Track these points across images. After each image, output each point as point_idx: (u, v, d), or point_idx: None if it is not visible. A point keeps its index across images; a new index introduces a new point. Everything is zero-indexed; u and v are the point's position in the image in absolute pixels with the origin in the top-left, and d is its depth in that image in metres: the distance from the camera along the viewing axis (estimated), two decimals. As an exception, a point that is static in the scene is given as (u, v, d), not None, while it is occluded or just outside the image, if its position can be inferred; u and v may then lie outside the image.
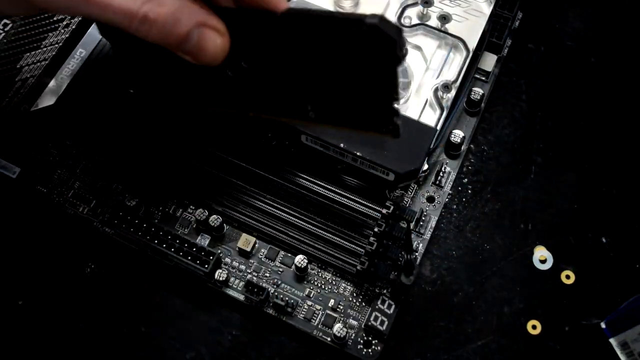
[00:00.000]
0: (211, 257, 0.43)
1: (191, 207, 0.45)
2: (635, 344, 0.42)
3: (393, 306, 0.43)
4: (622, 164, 0.49)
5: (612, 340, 0.44)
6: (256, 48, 0.34)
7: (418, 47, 0.48)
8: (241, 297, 0.43)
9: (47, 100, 0.46)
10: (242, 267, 0.44)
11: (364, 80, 0.34)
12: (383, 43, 0.31)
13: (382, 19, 0.30)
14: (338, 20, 0.31)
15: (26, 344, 0.43)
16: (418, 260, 0.45)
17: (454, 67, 0.47)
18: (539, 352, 0.44)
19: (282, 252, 0.44)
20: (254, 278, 0.44)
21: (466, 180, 0.48)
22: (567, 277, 0.46)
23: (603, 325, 0.44)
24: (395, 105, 0.34)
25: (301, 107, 0.36)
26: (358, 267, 0.41)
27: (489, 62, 0.50)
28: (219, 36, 0.31)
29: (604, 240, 0.47)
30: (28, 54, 0.47)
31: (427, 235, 0.46)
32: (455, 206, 0.48)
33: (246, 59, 0.34)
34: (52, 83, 0.47)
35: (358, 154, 0.41)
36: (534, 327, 0.44)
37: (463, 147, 0.48)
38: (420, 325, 0.44)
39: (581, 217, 0.47)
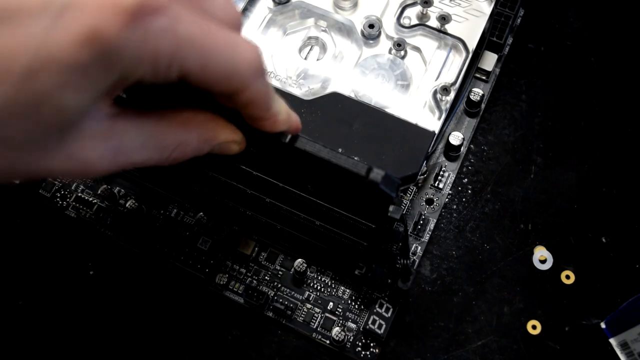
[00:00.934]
0: (211, 261, 0.43)
1: (191, 211, 0.46)
2: (635, 344, 0.42)
3: (391, 310, 0.43)
4: (622, 164, 0.49)
5: (612, 340, 0.44)
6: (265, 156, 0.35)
7: (417, 49, 0.48)
8: (241, 301, 0.44)
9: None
10: (242, 270, 0.44)
11: (362, 202, 0.36)
12: (381, 196, 0.33)
13: (385, 177, 0.32)
14: (340, 168, 0.32)
15: (26, 344, 0.44)
16: (417, 263, 0.45)
17: (453, 68, 0.47)
18: (539, 352, 0.44)
19: (281, 256, 0.44)
20: (254, 281, 0.44)
21: (466, 180, 0.48)
22: (567, 277, 0.46)
23: (603, 325, 0.44)
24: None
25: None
26: (356, 272, 0.41)
27: (489, 61, 0.50)
28: (236, 146, 0.32)
29: (604, 240, 0.47)
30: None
31: (426, 238, 0.46)
32: (455, 206, 0.48)
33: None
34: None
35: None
36: (534, 327, 0.44)
37: (462, 149, 0.48)
38: (420, 325, 0.45)
39: (581, 217, 0.47)
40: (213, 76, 0.27)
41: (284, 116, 0.32)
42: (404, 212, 0.41)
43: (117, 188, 0.46)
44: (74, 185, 0.46)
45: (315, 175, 0.35)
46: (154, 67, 0.25)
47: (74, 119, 0.25)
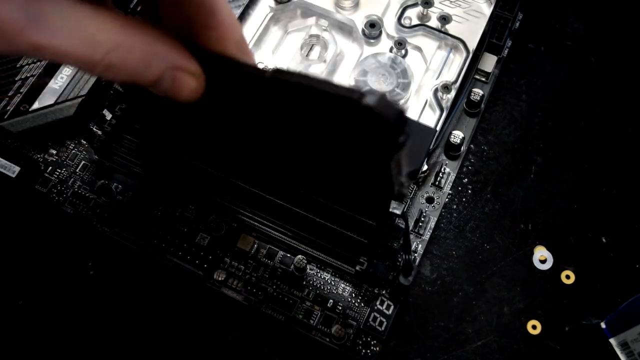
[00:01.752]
0: (210, 257, 0.43)
1: (190, 206, 0.45)
2: (635, 344, 0.42)
3: (392, 307, 0.43)
4: (622, 164, 0.49)
5: (612, 340, 0.44)
6: (242, 103, 0.32)
7: (418, 48, 0.48)
8: (240, 297, 0.43)
9: (47, 99, 0.46)
10: (241, 267, 0.44)
11: (359, 166, 0.32)
12: (380, 127, 0.27)
13: (381, 99, 0.26)
14: (328, 95, 0.27)
15: (26, 344, 0.43)
16: (417, 261, 0.45)
17: (453, 68, 0.47)
18: (539, 352, 0.44)
19: (281, 252, 0.44)
20: (253, 278, 0.44)
21: (466, 180, 0.48)
22: (567, 277, 0.45)
23: (603, 325, 0.44)
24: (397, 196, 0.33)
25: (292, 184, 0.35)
26: (357, 268, 0.41)
27: (489, 63, 0.50)
28: (193, 79, 0.29)
29: (604, 240, 0.47)
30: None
31: (427, 236, 0.45)
32: (455, 206, 0.48)
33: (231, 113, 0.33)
34: (52, 82, 0.47)
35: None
36: (534, 327, 0.44)
37: (463, 148, 0.48)
38: (420, 325, 0.44)
39: (581, 217, 0.47)
40: None
41: (237, 34, 0.29)
42: (404, 210, 0.41)
43: (115, 184, 0.46)
44: (70, 181, 0.46)
45: (297, 120, 0.31)
46: None
47: None
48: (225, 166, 0.41)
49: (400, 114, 0.27)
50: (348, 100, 0.26)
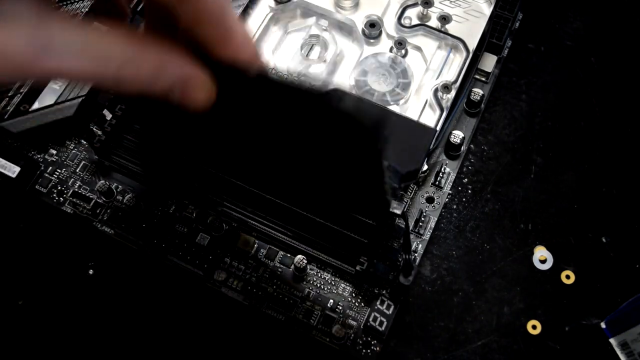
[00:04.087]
0: (210, 257, 0.43)
1: (190, 206, 0.45)
2: (635, 344, 0.42)
3: (392, 307, 0.43)
4: (622, 164, 0.49)
5: (612, 340, 0.44)
6: (247, 108, 0.33)
7: (418, 48, 0.48)
8: (240, 297, 0.43)
9: (47, 99, 0.46)
10: (241, 267, 0.44)
11: (354, 167, 0.34)
12: (357, 131, 0.30)
13: (358, 103, 0.29)
14: (314, 94, 0.30)
15: (26, 344, 0.43)
16: (417, 261, 0.45)
17: (453, 67, 0.47)
18: (539, 352, 0.44)
19: (281, 252, 0.44)
20: (253, 278, 0.44)
21: (466, 180, 0.48)
22: (567, 277, 0.45)
23: (603, 325, 0.44)
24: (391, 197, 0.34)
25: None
26: (357, 268, 0.41)
27: (489, 63, 0.50)
28: (203, 90, 0.29)
29: (604, 240, 0.47)
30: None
31: (427, 236, 0.45)
32: (455, 206, 0.48)
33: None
34: (52, 83, 0.47)
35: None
36: (534, 327, 0.44)
37: (463, 148, 0.48)
38: (420, 325, 0.44)
39: (581, 217, 0.47)
40: None
41: (251, 49, 0.29)
42: (405, 210, 0.41)
43: (115, 184, 0.46)
44: (70, 181, 0.46)
45: (291, 121, 0.32)
46: None
47: None
48: (226, 167, 0.41)
49: (377, 121, 0.30)
50: (316, 95, 0.29)
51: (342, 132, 0.31)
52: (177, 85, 0.28)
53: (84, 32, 0.25)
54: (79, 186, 0.46)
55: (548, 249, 0.46)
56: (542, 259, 0.46)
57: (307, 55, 0.47)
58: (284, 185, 0.40)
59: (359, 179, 0.35)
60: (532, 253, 0.46)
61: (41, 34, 0.24)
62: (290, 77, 0.29)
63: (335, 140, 0.32)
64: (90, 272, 0.45)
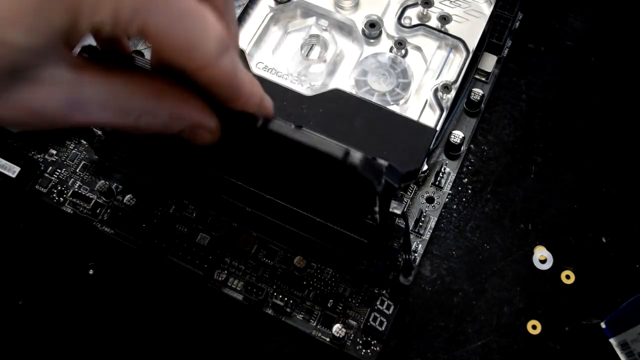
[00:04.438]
0: (210, 257, 0.43)
1: (190, 206, 0.45)
2: (635, 344, 0.42)
3: (392, 307, 0.43)
4: (622, 164, 0.49)
5: (612, 340, 0.44)
6: (241, 145, 0.35)
7: (418, 48, 0.48)
8: (240, 297, 0.43)
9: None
10: (241, 267, 0.44)
11: (343, 198, 0.35)
12: (361, 183, 0.32)
13: (364, 161, 0.31)
14: (315, 151, 0.31)
15: (26, 344, 0.43)
16: (417, 261, 0.45)
17: (453, 67, 0.47)
18: (539, 352, 0.44)
19: (281, 252, 0.44)
20: (253, 278, 0.44)
21: (466, 180, 0.48)
22: (567, 277, 0.46)
23: (603, 325, 0.44)
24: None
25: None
26: (357, 268, 0.41)
27: (489, 63, 0.50)
28: (209, 134, 0.31)
29: (604, 240, 0.47)
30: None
31: (427, 236, 0.46)
32: (455, 206, 0.48)
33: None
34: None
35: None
36: (534, 327, 0.44)
37: (463, 148, 0.48)
38: (420, 325, 0.44)
39: (581, 217, 0.47)
40: (173, 44, 0.26)
41: (257, 99, 0.31)
42: (405, 210, 0.41)
43: (115, 184, 0.46)
44: (70, 181, 0.46)
45: (292, 166, 0.34)
46: (114, 15, 0.24)
47: (25, 62, 0.24)
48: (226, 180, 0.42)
49: (380, 172, 0.32)
50: (333, 160, 0.31)
51: (342, 183, 0.33)
52: (186, 130, 0.30)
53: (110, 86, 0.27)
54: (79, 186, 0.46)
55: (548, 249, 0.46)
56: (542, 259, 0.46)
57: (307, 55, 0.47)
58: (282, 199, 0.40)
59: (351, 212, 0.37)
60: (532, 253, 0.46)
61: (74, 93, 0.26)
62: (292, 130, 0.31)
63: (333, 187, 0.35)
64: (91, 272, 0.45)
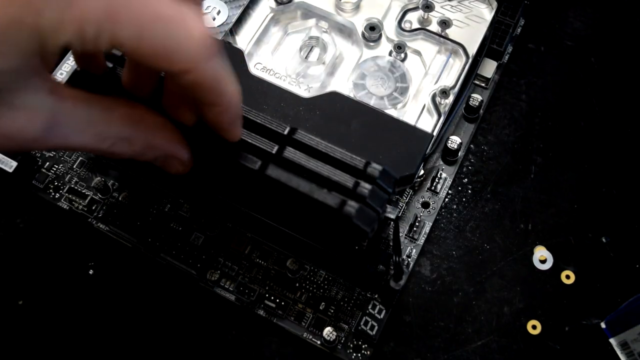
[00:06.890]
0: (204, 257, 0.43)
1: (185, 205, 0.46)
2: (635, 344, 0.42)
3: (384, 311, 0.43)
4: (622, 164, 0.49)
5: (612, 340, 0.43)
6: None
7: (417, 52, 0.48)
8: (232, 298, 0.43)
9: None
10: (235, 267, 0.44)
11: (334, 234, 0.37)
12: (355, 230, 0.33)
13: (359, 210, 0.33)
14: (310, 199, 0.34)
15: (26, 344, 0.44)
16: (411, 265, 0.45)
17: (453, 73, 0.47)
18: (539, 352, 0.43)
19: (274, 254, 0.44)
20: (246, 279, 0.44)
21: (466, 180, 0.48)
22: (567, 277, 0.45)
23: (603, 325, 0.44)
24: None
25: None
26: (349, 271, 0.41)
27: (488, 68, 0.50)
28: (180, 165, 0.33)
29: (604, 240, 0.46)
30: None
31: (421, 241, 0.45)
32: (455, 206, 0.48)
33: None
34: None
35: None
36: (534, 327, 0.44)
37: (460, 154, 0.48)
38: (420, 325, 0.44)
39: (581, 217, 0.47)
40: (150, 51, 0.25)
41: (233, 114, 0.31)
42: (399, 214, 0.41)
43: (111, 181, 0.46)
44: (67, 177, 0.47)
45: (285, 205, 0.36)
46: (79, 32, 0.23)
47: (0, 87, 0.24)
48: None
49: (374, 220, 0.34)
50: (329, 209, 0.33)
51: (335, 225, 0.35)
52: (159, 158, 0.32)
53: (88, 111, 0.28)
54: (76, 182, 0.46)
55: (548, 249, 0.46)
56: (542, 259, 0.46)
57: (306, 56, 0.47)
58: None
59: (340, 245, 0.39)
60: (532, 253, 0.46)
61: (49, 117, 0.27)
62: (287, 177, 0.34)
63: (325, 226, 0.36)
64: (91, 272, 0.45)
